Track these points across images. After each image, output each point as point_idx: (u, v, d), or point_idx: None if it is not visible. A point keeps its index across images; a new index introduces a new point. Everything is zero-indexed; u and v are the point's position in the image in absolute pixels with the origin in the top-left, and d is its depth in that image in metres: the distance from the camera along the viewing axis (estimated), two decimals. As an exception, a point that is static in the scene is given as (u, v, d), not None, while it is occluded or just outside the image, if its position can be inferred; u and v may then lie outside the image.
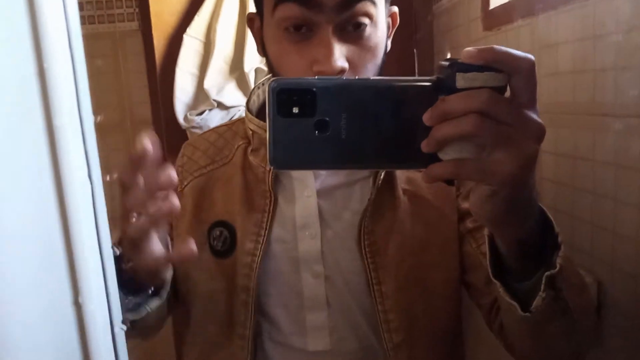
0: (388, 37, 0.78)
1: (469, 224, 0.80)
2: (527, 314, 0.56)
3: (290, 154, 0.45)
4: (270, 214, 0.79)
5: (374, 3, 0.68)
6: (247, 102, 0.87)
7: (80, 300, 0.25)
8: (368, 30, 0.69)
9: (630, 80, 0.83)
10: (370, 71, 0.71)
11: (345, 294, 0.79)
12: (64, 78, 0.24)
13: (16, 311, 0.24)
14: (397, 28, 0.81)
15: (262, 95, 0.89)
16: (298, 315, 0.80)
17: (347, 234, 0.79)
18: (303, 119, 0.44)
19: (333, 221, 0.80)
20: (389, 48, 0.78)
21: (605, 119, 0.89)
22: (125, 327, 0.27)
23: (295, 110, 0.44)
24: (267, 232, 0.79)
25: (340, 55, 0.66)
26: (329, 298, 0.79)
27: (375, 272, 0.77)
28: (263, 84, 0.90)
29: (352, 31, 0.68)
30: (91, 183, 0.26)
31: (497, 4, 1.34)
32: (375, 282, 0.77)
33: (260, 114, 0.87)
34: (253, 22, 0.79)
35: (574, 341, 0.62)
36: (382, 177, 0.78)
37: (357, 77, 0.66)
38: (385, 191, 0.79)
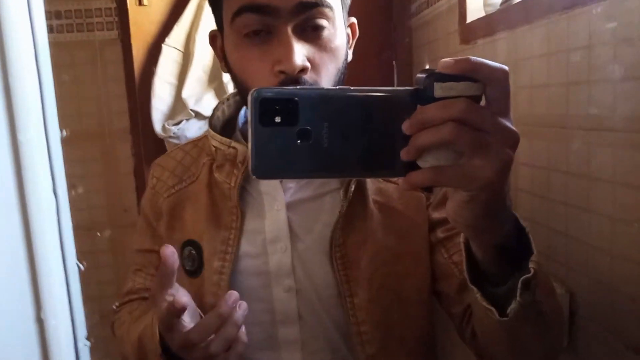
0: (349, 47, 0.79)
1: (439, 233, 0.80)
2: (504, 318, 0.57)
3: (273, 163, 0.46)
4: (237, 231, 0.79)
5: (330, 7, 0.70)
6: (211, 119, 0.87)
7: (42, 316, 0.25)
8: (327, 31, 0.71)
9: (600, 94, 0.84)
10: (331, 73, 0.72)
11: (317, 307, 0.79)
12: (29, 93, 0.24)
13: (-23, 327, 0.24)
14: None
15: (227, 110, 0.89)
16: (270, 330, 0.80)
17: (318, 247, 0.79)
18: (285, 128, 0.45)
19: (303, 234, 0.80)
20: (350, 58, 0.79)
21: (577, 132, 0.91)
22: (89, 343, 0.27)
23: (277, 119, 0.45)
24: (235, 249, 0.78)
25: (300, 53, 0.68)
26: (300, 312, 0.79)
27: (347, 284, 0.77)
28: (228, 100, 0.90)
29: (311, 32, 0.70)
30: (56, 198, 0.26)
31: (474, 18, 1.37)
32: (348, 294, 0.77)
33: (224, 130, 0.86)
34: (215, 39, 0.80)
35: (546, 344, 0.63)
36: (353, 189, 0.78)
37: (338, 87, 0.67)
38: (356, 203, 0.79)
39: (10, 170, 0.24)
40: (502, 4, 1.23)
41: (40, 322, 0.24)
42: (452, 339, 0.95)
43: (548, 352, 0.66)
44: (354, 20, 0.81)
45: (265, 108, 0.44)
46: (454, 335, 0.83)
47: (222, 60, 0.79)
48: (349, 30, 0.79)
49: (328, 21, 0.70)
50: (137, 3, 1.83)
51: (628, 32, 0.77)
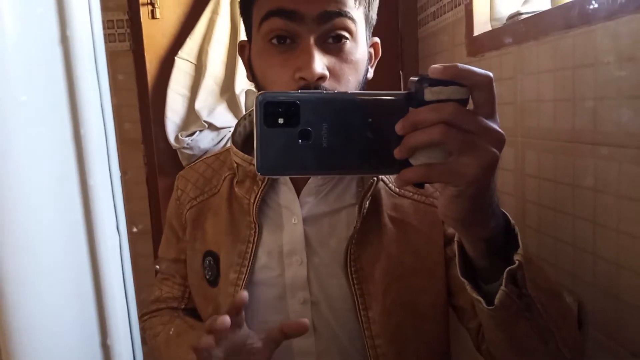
0: (370, 65, 0.81)
1: (454, 247, 0.82)
2: (492, 307, 0.59)
3: (276, 161, 0.49)
4: (254, 245, 0.81)
5: (352, 20, 0.73)
6: (233, 134, 0.89)
7: (108, 342, 0.28)
8: (348, 45, 0.73)
9: (606, 110, 0.86)
10: (352, 84, 0.74)
11: (332, 320, 0.81)
12: (97, 143, 0.27)
13: (51, 352, 0.27)
14: (385, 51, 0.85)
15: (249, 126, 0.91)
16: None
17: (334, 261, 0.81)
18: (287, 128, 0.48)
19: (319, 248, 0.82)
20: (370, 76, 0.81)
21: (583, 146, 0.93)
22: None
23: (280, 121, 0.48)
24: (250, 262, 0.81)
25: (320, 62, 0.70)
26: (315, 323, 0.81)
27: (362, 297, 0.78)
28: (250, 115, 0.91)
29: (332, 43, 0.72)
30: (119, 234, 0.29)
31: (481, 31, 1.39)
32: (362, 307, 0.78)
33: (245, 145, 0.88)
34: (244, 49, 0.83)
35: (552, 349, 0.64)
36: (367, 205, 0.80)
37: (336, 92, 0.70)
38: (371, 218, 0.81)
39: (80, 210, 0.27)
40: (508, 19, 1.25)
41: (105, 347, 0.27)
42: (468, 355, 0.97)
43: (557, 358, 0.66)
44: (377, 40, 0.83)
45: (269, 111, 0.48)
46: (470, 351, 0.85)
47: (248, 69, 0.82)
48: (371, 50, 0.82)
49: (350, 34, 0.73)
50: (150, 17, 1.87)
51: (633, 51, 0.80)
